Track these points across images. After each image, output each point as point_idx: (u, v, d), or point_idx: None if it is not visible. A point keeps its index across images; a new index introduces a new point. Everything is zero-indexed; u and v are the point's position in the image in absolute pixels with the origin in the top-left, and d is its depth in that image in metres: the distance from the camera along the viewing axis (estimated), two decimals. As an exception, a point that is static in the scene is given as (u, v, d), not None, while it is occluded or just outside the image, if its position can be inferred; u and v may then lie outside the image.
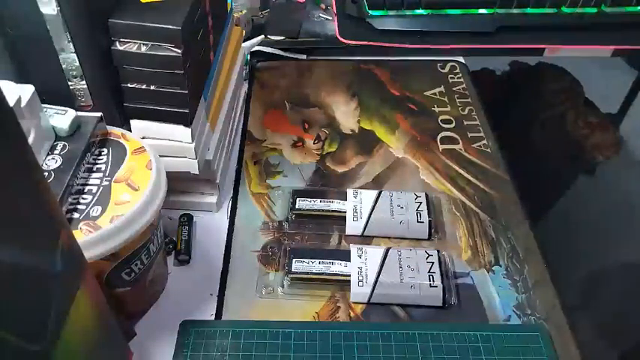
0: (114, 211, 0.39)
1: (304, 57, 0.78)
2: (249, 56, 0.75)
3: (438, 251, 0.51)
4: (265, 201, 0.58)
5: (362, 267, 0.49)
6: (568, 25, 0.79)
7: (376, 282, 0.48)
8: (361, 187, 0.59)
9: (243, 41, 0.70)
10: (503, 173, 0.61)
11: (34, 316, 0.26)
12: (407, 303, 0.49)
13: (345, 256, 0.50)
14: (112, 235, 0.38)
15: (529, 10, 0.79)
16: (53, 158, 0.41)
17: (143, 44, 0.44)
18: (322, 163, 0.62)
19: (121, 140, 0.45)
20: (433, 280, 0.49)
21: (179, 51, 0.44)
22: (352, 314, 0.48)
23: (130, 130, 0.49)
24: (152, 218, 0.41)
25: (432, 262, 0.50)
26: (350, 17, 0.81)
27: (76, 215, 0.39)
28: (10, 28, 0.42)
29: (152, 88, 0.47)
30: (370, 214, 0.54)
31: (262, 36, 0.78)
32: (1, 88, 0.22)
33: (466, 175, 0.61)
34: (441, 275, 0.49)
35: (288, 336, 0.46)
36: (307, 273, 0.50)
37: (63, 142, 0.42)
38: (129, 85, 0.47)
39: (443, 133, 0.66)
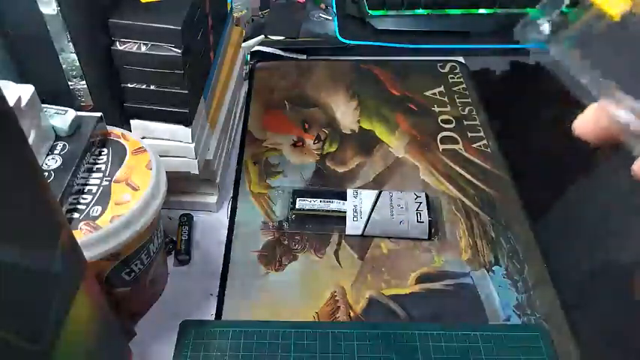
0: (114, 211, 0.39)
1: (304, 57, 0.78)
2: (249, 56, 0.75)
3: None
4: (265, 201, 0.58)
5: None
6: (568, 25, 0.79)
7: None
8: (361, 187, 0.59)
9: (243, 41, 0.70)
10: (503, 173, 0.61)
11: (34, 316, 0.26)
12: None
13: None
14: (112, 235, 0.38)
15: (529, 10, 0.79)
16: (53, 158, 0.41)
17: (143, 44, 0.44)
18: (322, 163, 0.62)
19: (121, 140, 0.45)
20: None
21: (179, 51, 0.44)
22: (352, 314, 0.48)
23: (130, 130, 0.49)
24: (152, 218, 0.41)
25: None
26: (350, 17, 0.81)
27: (76, 215, 0.39)
28: (10, 28, 0.42)
29: (152, 88, 0.47)
30: (370, 214, 0.54)
31: (262, 36, 0.78)
32: (1, 88, 0.22)
33: (466, 175, 0.61)
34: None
35: (288, 336, 0.46)
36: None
37: (63, 142, 0.42)
38: (129, 85, 0.47)
39: (443, 133, 0.66)
